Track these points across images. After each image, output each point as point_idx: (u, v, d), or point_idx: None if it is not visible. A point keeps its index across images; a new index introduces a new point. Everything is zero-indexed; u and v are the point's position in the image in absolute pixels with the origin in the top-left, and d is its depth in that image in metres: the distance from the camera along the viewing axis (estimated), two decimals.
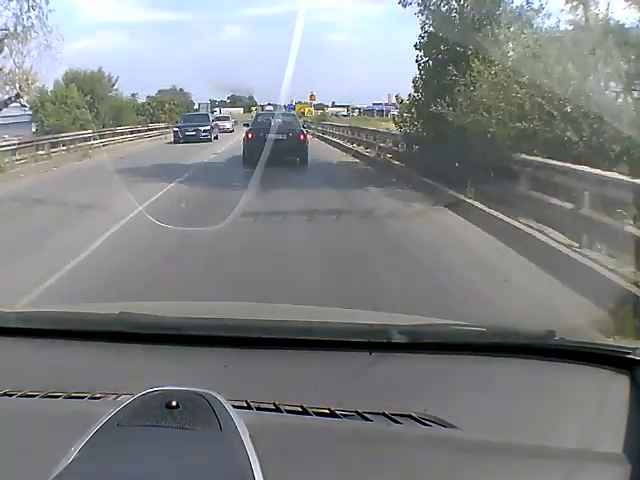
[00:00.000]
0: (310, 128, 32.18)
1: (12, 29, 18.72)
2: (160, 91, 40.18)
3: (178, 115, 35.19)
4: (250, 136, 15.38)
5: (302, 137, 16.05)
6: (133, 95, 35.64)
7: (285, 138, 15.25)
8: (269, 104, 39.92)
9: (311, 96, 41.58)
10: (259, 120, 17.00)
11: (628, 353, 1.39)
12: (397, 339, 1.45)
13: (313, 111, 44.80)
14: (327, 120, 39.43)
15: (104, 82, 30.92)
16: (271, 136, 14.42)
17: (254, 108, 43.36)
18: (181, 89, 42.79)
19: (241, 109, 44.42)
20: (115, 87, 32.11)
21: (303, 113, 42.99)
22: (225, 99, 45.48)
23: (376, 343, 1.47)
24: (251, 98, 42.84)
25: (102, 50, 39.01)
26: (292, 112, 32.10)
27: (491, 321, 3.26)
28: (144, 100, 37.37)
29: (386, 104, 41.85)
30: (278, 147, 14.17)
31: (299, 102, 46.44)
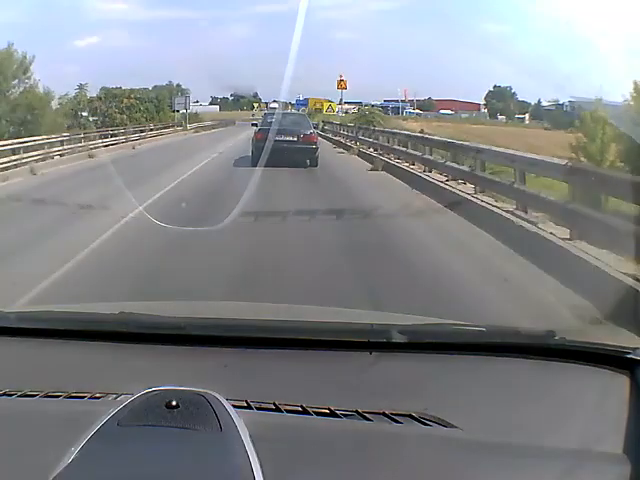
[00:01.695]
0: (339, 135, 23.35)
1: None
2: (155, 87, 36.64)
3: (145, 116, 28.06)
4: (259, 137, 14.84)
5: (313, 138, 15.66)
6: (80, 87, 25.20)
7: (296, 139, 15.09)
8: (274, 101, 33.64)
9: (340, 82, 26.79)
10: (268, 120, 16.22)
11: (628, 353, 1.39)
12: (397, 339, 1.45)
13: (335, 107, 32.58)
14: (381, 122, 23.76)
15: (13, 69, 18.77)
16: (281, 137, 14.35)
17: (256, 105, 38.67)
18: (178, 84, 38.29)
19: (217, 107, 40.13)
20: (29, 74, 19.36)
21: (318, 109, 33.46)
22: (228, 96, 41.83)
23: (376, 343, 1.47)
24: (255, 95, 38.77)
25: (105, 46, 37.18)
26: (304, 109, 29.84)
27: (491, 321, 3.26)
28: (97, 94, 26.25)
29: (402, 100, 34.09)
30: (288, 149, 14.30)
31: (305, 98, 35.87)
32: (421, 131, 16.81)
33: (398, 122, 25.68)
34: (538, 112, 31.81)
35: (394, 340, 1.45)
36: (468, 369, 1.43)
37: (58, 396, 1.27)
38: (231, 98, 41.40)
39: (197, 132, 31.78)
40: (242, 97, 40.85)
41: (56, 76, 31.24)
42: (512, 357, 1.45)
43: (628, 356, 1.39)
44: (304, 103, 35.06)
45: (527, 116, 33.59)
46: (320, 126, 28.10)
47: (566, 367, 1.42)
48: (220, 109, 40.75)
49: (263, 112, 28.95)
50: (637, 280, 4.94)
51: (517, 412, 1.27)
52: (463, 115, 34.85)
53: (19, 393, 1.28)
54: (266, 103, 35.99)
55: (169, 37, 42.79)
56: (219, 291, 4.67)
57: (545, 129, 19.52)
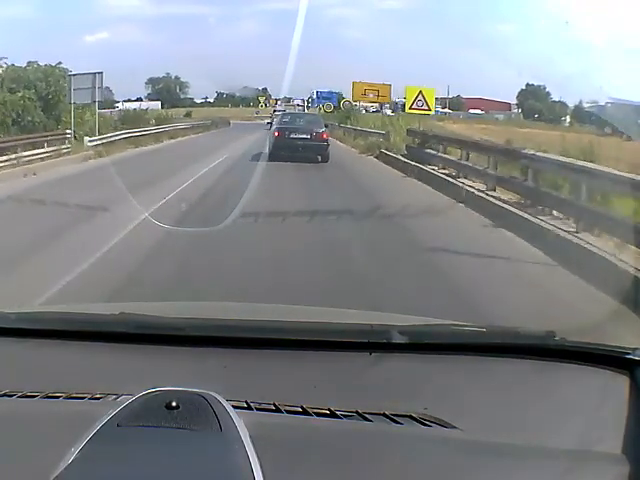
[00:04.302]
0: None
1: None
2: (150, 79, 32.07)
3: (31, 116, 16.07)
4: (277, 134, 16.26)
5: (325, 136, 16.65)
6: None
7: (309, 137, 16.09)
8: (286, 97, 27.73)
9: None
10: (285, 120, 17.73)
11: (628, 353, 1.39)
12: (397, 339, 1.45)
13: (432, 101, 17.41)
14: None
15: None
16: (296, 135, 15.81)
17: (262, 98, 31.91)
18: (177, 77, 33.11)
19: (159, 103, 31.21)
20: None
21: (367, 103, 22.90)
22: (235, 93, 37.40)
23: (376, 343, 1.47)
24: (264, 90, 33.26)
25: (114, 42, 34.79)
26: (328, 105, 25.74)
27: (491, 321, 3.26)
28: None
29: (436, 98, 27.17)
30: (302, 145, 15.52)
31: (330, 91, 26.92)
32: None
33: (433, 123, 18.38)
34: (580, 114, 27.63)
35: (394, 341, 1.45)
36: (468, 370, 1.43)
37: (58, 397, 1.27)
38: (238, 95, 37.27)
39: (98, 157, 14.59)
40: (245, 97, 36.64)
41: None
42: (512, 358, 1.46)
43: (628, 356, 1.39)
44: (328, 97, 26.82)
45: (568, 118, 29.44)
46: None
47: (566, 367, 1.42)
48: (163, 105, 30.75)
49: (273, 109, 25.91)
50: (637, 281, 4.95)
51: (517, 412, 1.27)
52: (497, 116, 30.24)
53: (19, 394, 1.28)
54: (276, 99, 29.65)
55: (176, 33, 40.49)
56: (219, 292, 4.67)
57: (611, 135, 15.16)
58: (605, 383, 1.36)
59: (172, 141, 20.71)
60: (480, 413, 1.25)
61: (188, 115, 31.33)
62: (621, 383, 1.34)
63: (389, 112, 22.85)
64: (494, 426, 1.21)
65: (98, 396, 1.27)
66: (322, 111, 24.89)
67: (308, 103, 27.98)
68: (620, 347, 1.43)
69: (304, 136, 16.01)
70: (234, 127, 28.50)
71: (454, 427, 1.18)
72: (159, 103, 30.63)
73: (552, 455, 1.12)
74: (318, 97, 27.09)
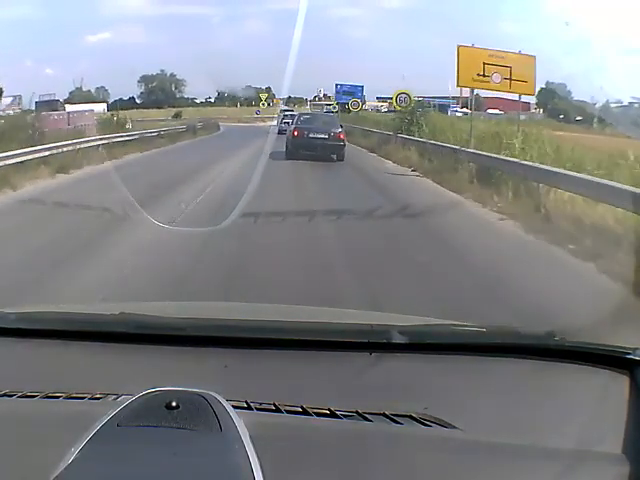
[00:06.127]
0: None
1: None
2: (144, 77, 29.51)
3: None
4: (295, 134, 16.80)
5: (341, 136, 17.02)
6: None
7: (327, 137, 16.54)
8: (289, 97, 26.34)
9: None
10: (302, 119, 18.28)
11: (628, 353, 1.39)
12: (397, 339, 1.45)
13: None
14: None
15: None
16: (314, 135, 16.38)
17: (263, 96, 29.77)
18: (172, 74, 30.29)
19: (105, 105, 26.50)
20: None
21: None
22: (237, 93, 35.15)
23: (376, 343, 1.47)
24: (268, 89, 31.18)
25: (113, 41, 33.63)
26: (355, 101, 23.83)
27: (491, 321, 3.26)
28: None
29: (454, 97, 22.05)
30: (320, 145, 16.06)
31: (352, 85, 23.16)
32: None
33: (502, 128, 13.23)
34: (607, 115, 24.74)
35: (394, 341, 1.45)
36: (468, 370, 1.43)
37: (58, 397, 1.27)
38: (240, 94, 35.24)
39: None
40: (248, 97, 35.06)
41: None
42: (512, 357, 1.46)
43: (628, 356, 1.39)
44: (351, 91, 23.10)
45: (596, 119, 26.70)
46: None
47: (566, 367, 1.42)
48: (106, 107, 26.06)
49: (280, 109, 25.41)
50: (637, 281, 4.94)
51: (517, 412, 1.27)
52: (521, 117, 28.28)
53: (19, 394, 1.28)
54: (281, 99, 27.89)
55: (176, 33, 39.41)
56: (220, 292, 4.66)
57: None
58: (605, 383, 1.36)
59: (55, 181, 10.90)
60: (480, 413, 1.25)
61: (177, 116, 27.94)
62: (621, 383, 1.34)
63: (460, 113, 17.90)
64: (494, 426, 1.21)
65: (98, 396, 1.27)
66: (337, 110, 22.21)
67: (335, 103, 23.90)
68: (620, 347, 1.43)
69: (322, 136, 16.49)
70: (223, 133, 23.90)
71: (454, 427, 1.18)
72: (104, 105, 25.55)
73: (552, 455, 1.12)
74: (337, 92, 22.64)
